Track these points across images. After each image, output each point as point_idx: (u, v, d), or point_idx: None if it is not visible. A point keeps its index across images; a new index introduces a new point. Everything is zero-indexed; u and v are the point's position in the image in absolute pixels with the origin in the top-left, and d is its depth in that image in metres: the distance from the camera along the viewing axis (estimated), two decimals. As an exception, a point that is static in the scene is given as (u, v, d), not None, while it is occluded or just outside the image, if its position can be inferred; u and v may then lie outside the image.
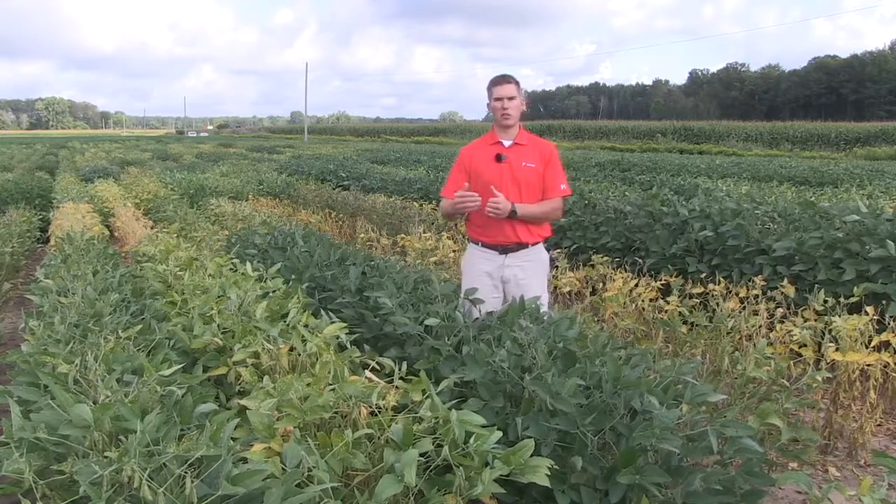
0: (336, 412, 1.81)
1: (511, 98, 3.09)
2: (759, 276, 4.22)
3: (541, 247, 3.28)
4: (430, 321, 2.51)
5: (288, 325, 2.48)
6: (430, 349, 2.46)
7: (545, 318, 2.70)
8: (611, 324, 3.99)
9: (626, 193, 7.58)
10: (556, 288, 4.76)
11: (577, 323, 2.50)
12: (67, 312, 2.65)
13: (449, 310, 2.64)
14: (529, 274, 3.19)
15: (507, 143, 3.18)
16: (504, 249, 3.17)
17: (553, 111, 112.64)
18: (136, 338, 2.38)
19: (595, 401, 1.98)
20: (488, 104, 3.18)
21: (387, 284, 2.92)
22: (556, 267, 4.58)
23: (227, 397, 2.25)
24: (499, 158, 3.13)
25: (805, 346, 3.11)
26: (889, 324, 3.10)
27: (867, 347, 3.04)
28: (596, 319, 4.24)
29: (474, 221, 3.26)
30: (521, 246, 3.16)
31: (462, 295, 2.92)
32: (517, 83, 3.13)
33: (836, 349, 3.02)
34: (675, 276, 4.30)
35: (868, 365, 3.02)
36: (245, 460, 1.56)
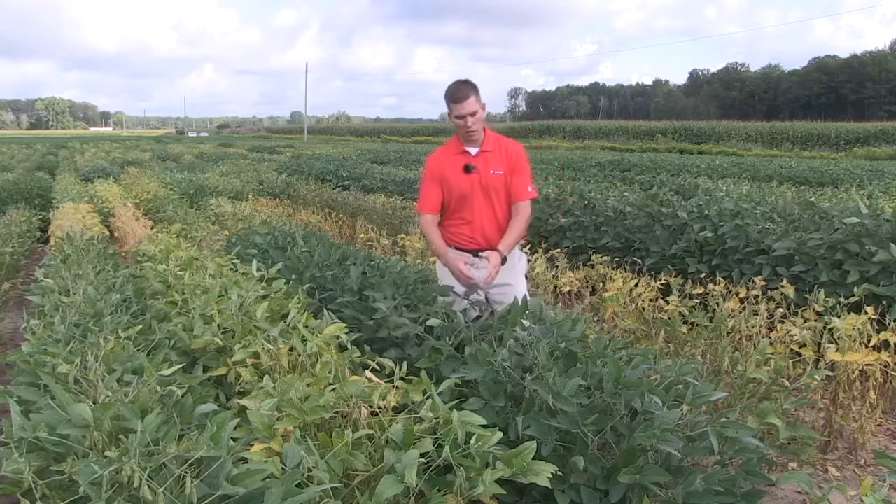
0: (336, 412, 1.81)
1: (473, 113, 2.95)
2: (759, 276, 4.22)
3: (515, 249, 3.22)
4: (432, 322, 2.51)
5: (288, 325, 2.48)
6: (431, 349, 2.46)
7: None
8: (611, 324, 3.99)
9: (626, 193, 7.58)
10: (555, 288, 4.76)
11: (581, 322, 2.50)
12: (68, 312, 2.65)
13: (448, 310, 2.64)
14: (507, 277, 3.14)
15: (473, 150, 3.08)
16: (477, 253, 3.13)
17: (553, 111, 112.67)
18: (137, 338, 2.38)
19: (596, 401, 1.98)
20: (449, 115, 3.04)
21: (383, 286, 2.90)
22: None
23: (227, 397, 2.25)
24: (467, 169, 3.05)
25: (805, 346, 3.11)
26: (889, 324, 3.11)
27: (867, 347, 3.04)
28: (596, 319, 4.24)
29: (448, 227, 3.21)
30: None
31: (460, 292, 2.92)
32: (476, 91, 2.97)
33: (836, 349, 3.02)
34: (675, 276, 4.30)
35: (868, 365, 3.02)
36: (245, 460, 1.56)
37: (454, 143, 3.14)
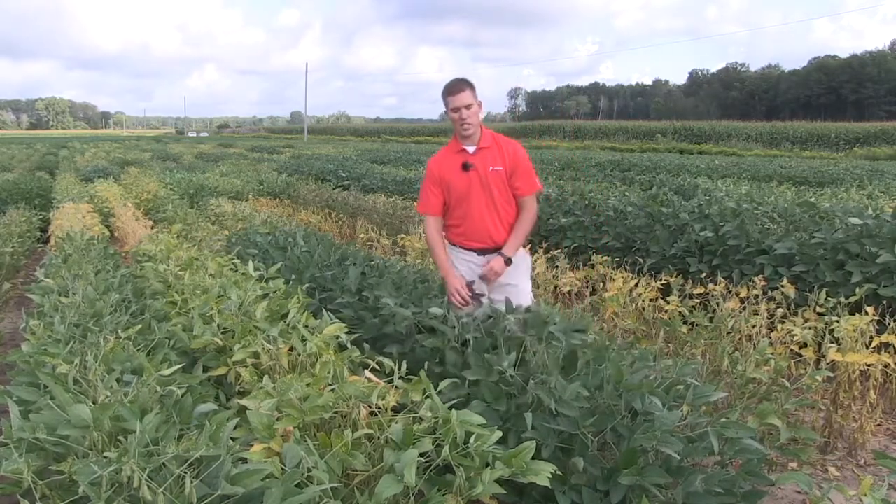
0: (336, 412, 1.81)
1: (468, 106, 2.98)
2: (760, 276, 4.22)
3: (520, 249, 3.24)
4: (434, 310, 2.53)
5: (288, 325, 2.48)
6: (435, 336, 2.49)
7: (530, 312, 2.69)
8: (611, 324, 3.99)
9: (626, 193, 7.59)
10: (556, 288, 4.76)
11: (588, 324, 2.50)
12: (68, 312, 2.65)
13: (445, 306, 2.65)
14: (511, 277, 3.15)
15: (471, 148, 3.09)
16: (482, 252, 3.15)
17: (553, 111, 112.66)
18: (136, 338, 2.38)
19: (596, 402, 1.98)
20: (446, 112, 3.07)
21: (386, 285, 2.92)
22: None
23: (227, 397, 2.25)
24: (465, 167, 3.06)
25: (805, 346, 3.11)
26: (889, 325, 3.10)
27: (867, 348, 3.04)
28: (596, 319, 4.24)
29: (451, 228, 3.22)
30: (500, 249, 3.13)
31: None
32: (472, 87, 3.02)
33: (837, 350, 3.01)
34: (676, 277, 4.30)
35: (868, 365, 3.02)
36: (245, 460, 1.56)
37: (452, 144, 3.17)
